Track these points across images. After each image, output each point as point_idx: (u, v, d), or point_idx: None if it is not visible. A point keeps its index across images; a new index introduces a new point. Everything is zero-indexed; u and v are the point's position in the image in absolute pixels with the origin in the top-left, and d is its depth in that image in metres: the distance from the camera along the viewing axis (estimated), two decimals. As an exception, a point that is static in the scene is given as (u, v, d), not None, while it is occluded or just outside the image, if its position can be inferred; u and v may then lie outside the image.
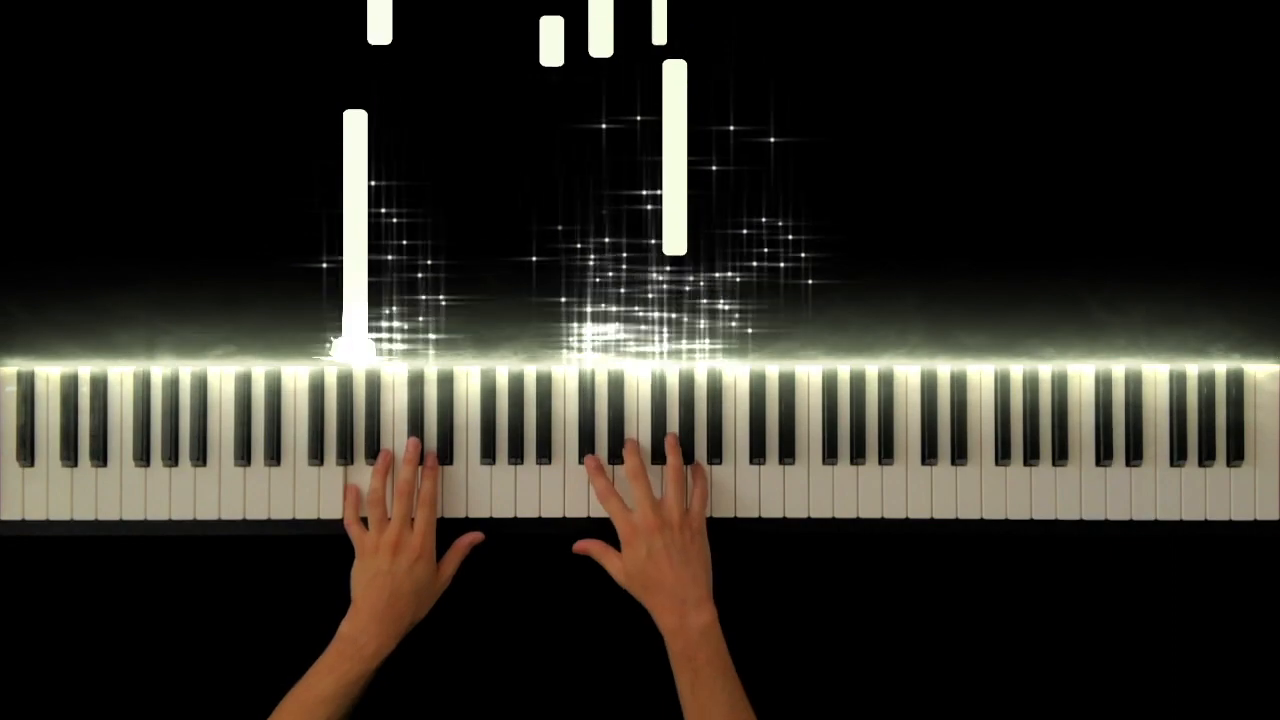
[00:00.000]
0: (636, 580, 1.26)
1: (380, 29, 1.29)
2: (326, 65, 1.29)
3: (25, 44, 1.29)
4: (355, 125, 1.29)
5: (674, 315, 1.30)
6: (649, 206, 1.29)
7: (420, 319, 1.30)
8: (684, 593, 1.24)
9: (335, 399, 1.31)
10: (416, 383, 1.30)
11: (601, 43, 1.28)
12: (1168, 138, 1.30)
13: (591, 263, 1.29)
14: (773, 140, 1.29)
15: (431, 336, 1.30)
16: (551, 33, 1.28)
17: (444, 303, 1.29)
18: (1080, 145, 1.30)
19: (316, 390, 1.30)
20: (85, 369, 1.30)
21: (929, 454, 1.31)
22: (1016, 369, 1.31)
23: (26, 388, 1.30)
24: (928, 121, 1.30)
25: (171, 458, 1.30)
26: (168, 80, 1.29)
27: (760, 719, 1.21)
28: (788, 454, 1.31)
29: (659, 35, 1.27)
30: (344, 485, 1.31)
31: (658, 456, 1.31)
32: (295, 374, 1.31)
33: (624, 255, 1.29)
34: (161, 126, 1.29)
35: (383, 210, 1.29)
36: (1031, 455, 1.31)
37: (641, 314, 1.30)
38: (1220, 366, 1.31)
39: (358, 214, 1.29)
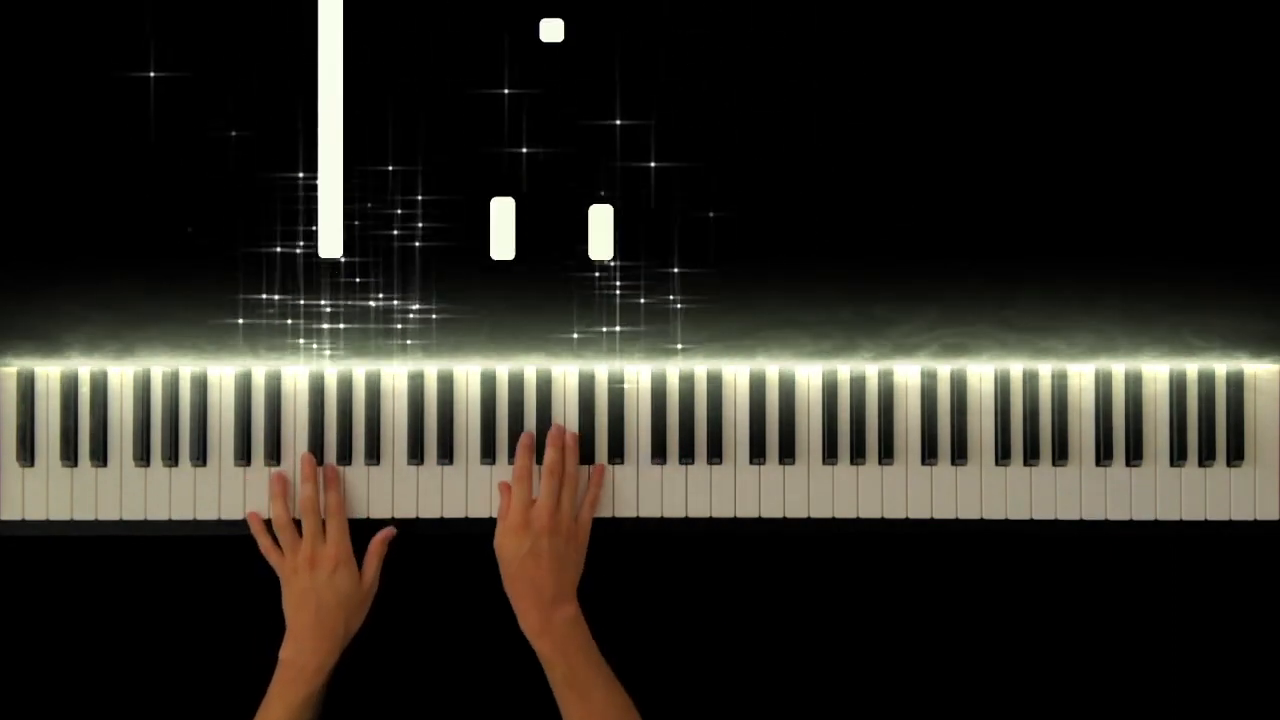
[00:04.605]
0: (509, 568, 1.26)
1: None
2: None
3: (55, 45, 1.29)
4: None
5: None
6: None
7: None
8: (551, 592, 1.24)
9: (335, 399, 1.31)
10: (416, 382, 1.30)
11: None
12: (1167, 137, 1.30)
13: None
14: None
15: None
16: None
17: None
18: (1080, 144, 1.30)
19: (316, 390, 1.30)
20: (85, 369, 1.30)
21: (929, 454, 1.31)
22: (1016, 369, 1.31)
23: (26, 388, 1.30)
24: (923, 118, 1.30)
25: (171, 458, 1.30)
26: (153, 78, 1.29)
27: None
28: (788, 454, 1.31)
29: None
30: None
31: (656, 456, 1.31)
32: (295, 374, 1.31)
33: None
34: (160, 127, 1.29)
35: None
36: (1031, 455, 1.31)
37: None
38: (1220, 366, 1.31)
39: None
